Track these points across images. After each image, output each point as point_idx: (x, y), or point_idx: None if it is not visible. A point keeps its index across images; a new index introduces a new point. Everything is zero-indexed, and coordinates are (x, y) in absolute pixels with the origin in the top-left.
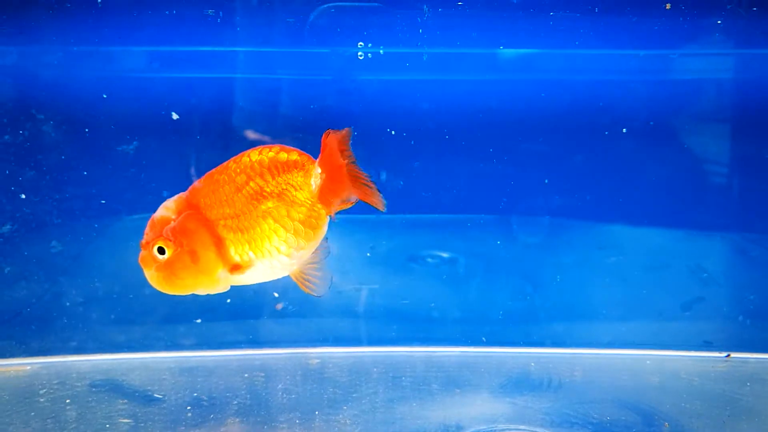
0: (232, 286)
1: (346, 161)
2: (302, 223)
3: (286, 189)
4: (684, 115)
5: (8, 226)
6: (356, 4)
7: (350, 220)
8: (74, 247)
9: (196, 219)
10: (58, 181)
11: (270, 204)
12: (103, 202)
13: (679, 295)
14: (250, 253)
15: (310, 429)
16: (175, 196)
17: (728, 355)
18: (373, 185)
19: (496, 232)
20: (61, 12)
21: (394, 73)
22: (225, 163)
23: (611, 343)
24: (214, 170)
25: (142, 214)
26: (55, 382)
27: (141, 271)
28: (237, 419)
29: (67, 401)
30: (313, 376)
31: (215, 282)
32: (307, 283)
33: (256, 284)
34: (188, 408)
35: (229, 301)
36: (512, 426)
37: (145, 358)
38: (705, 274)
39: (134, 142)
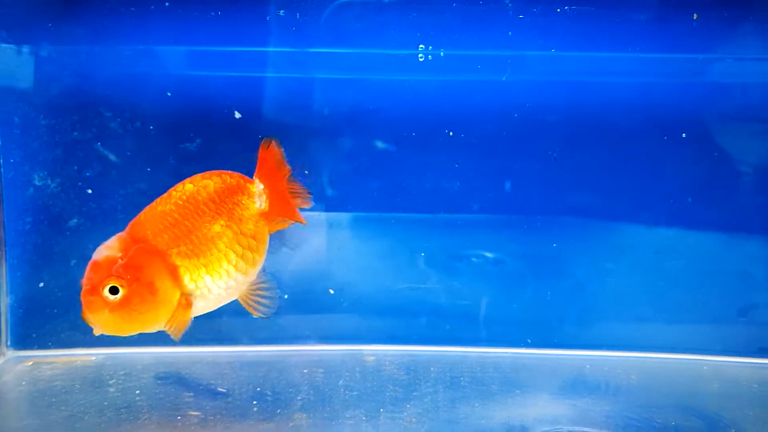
0: (289, 282)
1: (285, 175)
2: (254, 238)
3: (233, 209)
4: (735, 119)
5: (75, 220)
6: None
7: (400, 219)
8: None
9: (147, 251)
10: (123, 177)
11: (221, 224)
12: None
13: (734, 301)
14: (207, 277)
15: (377, 426)
16: (113, 237)
17: None
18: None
19: (549, 233)
20: (129, 12)
21: (453, 75)
22: (165, 195)
23: (666, 347)
24: (153, 203)
25: None
26: (122, 373)
27: None
28: (304, 414)
29: (137, 392)
30: (371, 374)
31: (170, 314)
32: (255, 305)
33: (313, 281)
34: (254, 402)
35: (286, 296)
36: (576, 428)
37: (205, 352)
38: (752, 280)
39: (197, 140)
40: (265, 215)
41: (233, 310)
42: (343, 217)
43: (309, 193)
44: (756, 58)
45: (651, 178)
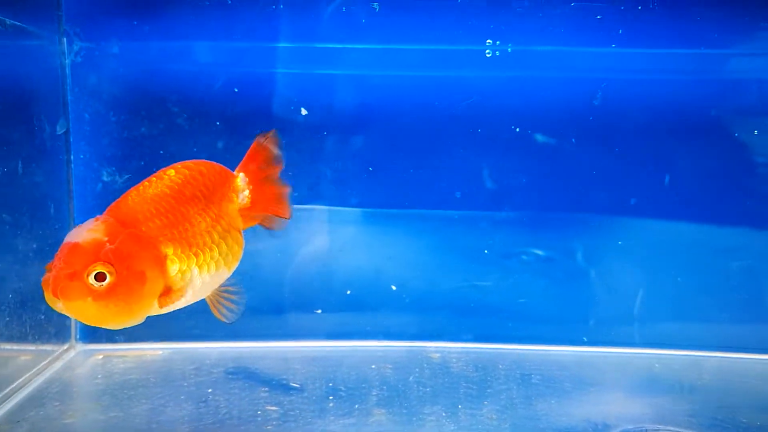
0: (351, 278)
1: (275, 170)
2: (238, 232)
3: (221, 201)
4: None
5: None
6: None
7: (447, 218)
8: None
9: (139, 237)
10: None
11: (212, 215)
12: None
13: None
14: (195, 270)
15: (457, 422)
16: (95, 219)
17: None
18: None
19: (609, 230)
20: (196, 9)
21: (520, 70)
22: (153, 178)
23: (732, 347)
24: (140, 186)
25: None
26: (191, 367)
27: (266, 259)
28: (383, 410)
29: (209, 390)
30: (440, 370)
31: (151, 306)
32: (221, 308)
33: (373, 277)
34: (330, 398)
35: (349, 292)
36: (661, 426)
37: (270, 347)
38: None
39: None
40: (244, 211)
41: (296, 305)
42: (398, 213)
43: (287, 193)
44: None
45: (718, 177)
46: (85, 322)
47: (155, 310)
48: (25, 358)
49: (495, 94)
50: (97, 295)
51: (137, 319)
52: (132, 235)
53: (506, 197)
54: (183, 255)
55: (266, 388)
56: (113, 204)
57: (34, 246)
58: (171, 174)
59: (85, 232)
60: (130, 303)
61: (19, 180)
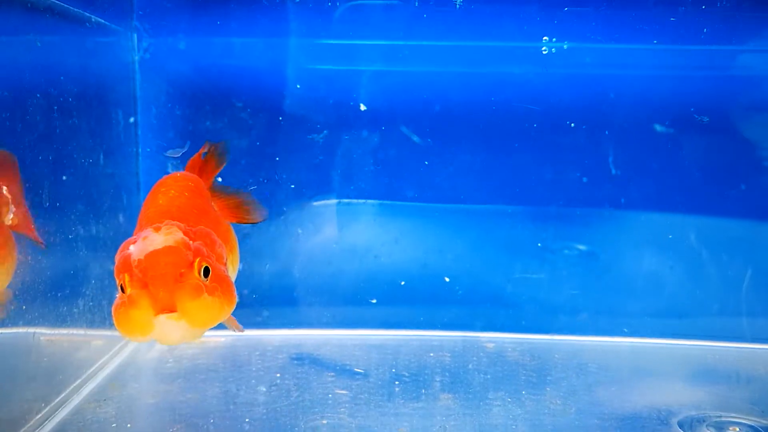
0: (404, 269)
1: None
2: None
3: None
4: None
5: None
6: None
7: (498, 212)
8: (262, 229)
9: (210, 234)
10: (252, 166)
11: (225, 222)
12: (293, 186)
13: None
14: (230, 267)
15: (523, 407)
16: (154, 229)
17: None
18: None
19: (660, 227)
20: (261, 5)
21: (575, 68)
22: (161, 193)
23: None
24: (154, 201)
25: (328, 200)
26: (256, 353)
27: (322, 251)
28: (449, 395)
29: (278, 375)
30: (496, 359)
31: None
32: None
33: (426, 269)
34: (396, 383)
35: (403, 283)
36: (723, 413)
37: (328, 334)
38: None
39: (324, 131)
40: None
41: (352, 295)
42: (450, 208)
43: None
44: None
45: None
46: (198, 325)
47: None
48: (101, 342)
49: (551, 90)
50: (212, 289)
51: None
52: (205, 232)
53: (559, 192)
54: (229, 253)
55: (332, 374)
56: (146, 216)
57: (111, 234)
58: (173, 188)
59: (162, 237)
60: (231, 294)
61: (100, 171)
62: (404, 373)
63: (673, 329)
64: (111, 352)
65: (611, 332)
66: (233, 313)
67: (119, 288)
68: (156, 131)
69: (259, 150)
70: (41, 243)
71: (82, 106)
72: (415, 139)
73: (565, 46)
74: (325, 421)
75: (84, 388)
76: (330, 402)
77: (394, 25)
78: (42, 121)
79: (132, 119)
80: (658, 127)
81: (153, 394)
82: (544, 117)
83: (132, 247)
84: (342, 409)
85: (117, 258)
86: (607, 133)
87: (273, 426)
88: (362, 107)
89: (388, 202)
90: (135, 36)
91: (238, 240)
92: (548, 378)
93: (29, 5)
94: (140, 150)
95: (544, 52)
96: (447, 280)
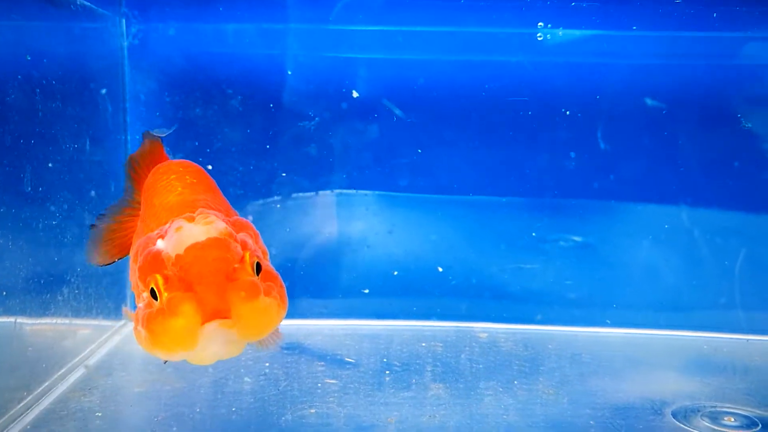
0: (398, 260)
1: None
2: None
3: None
4: None
5: None
6: None
7: (491, 203)
8: (253, 218)
9: (249, 225)
10: (243, 153)
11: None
12: (284, 174)
13: None
14: None
15: (515, 396)
16: (187, 218)
17: None
18: None
19: (656, 219)
20: None
21: (572, 55)
22: (176, 183)
23: None
24: (173, 191)
25: (321, 189)
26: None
27: (314, 241)
28: (440, 384)
29: (267, 364)
30: (489, 349)
31: None
32: None
33: (419, 259)
34: (386, 372)
35: (396, 273)
36: (718, 403)
37: (320, 324)
38: None
39: (316, 119)
40: None
41: (344, 285)
42: (443, 199)
43: None
44: None
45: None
46: (251, 334)
47: None
48: (88, 331)
49: (546, 77)
50: (266, 290)
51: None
52: (245, 223)
53: (551, 182)
54: None
55: (322, 363)
56: (169, 207)
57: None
58: (188, 175)
59: (203, 227)
60: (285, 296)
61: (87, 157)
62: (395, 362)
63: (669, 320)
64: (99, 340)
65: (605, 323)
66: None
67: (147, 294)
68: (145, 118)
69: (250, 137)
70: None
71: (67, 91)
72: (397, 112)
73: (560, 33)
74: (313, 411)
75: (69, 377)
76: (319, 391)
77: (388, 12)
78: (23, 104)
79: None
80: (650, 102)
81: (140, 384)
82: (539, 105)
83: (162, 242)
84: (331, 399)
85: (140, 257)
86: (603, 122)
87: (260, 415)
88: (354, 94)
89: (382, 192)
90: (124, 21)
91: None
92: (541, 368)
93: None
94: (129, 137)
95: (539, 39)
96: (440, 270)
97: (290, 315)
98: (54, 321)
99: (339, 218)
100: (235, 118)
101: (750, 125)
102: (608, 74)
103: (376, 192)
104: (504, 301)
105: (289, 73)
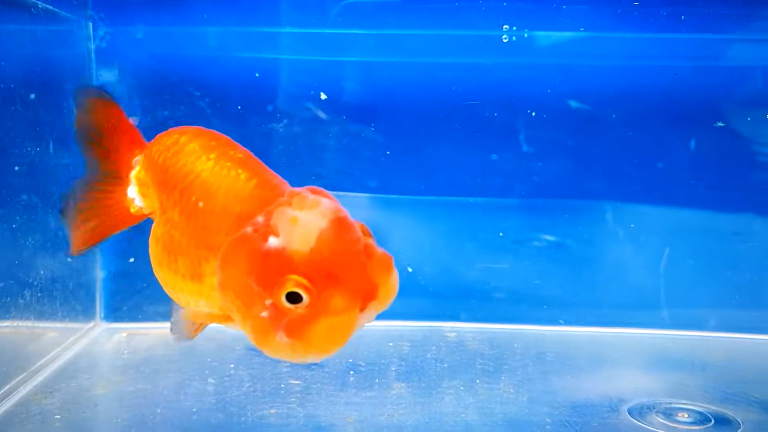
0: None
1: None
2: None
3: None
4: None
5: None
6: None
7: (461, 204)
8: None
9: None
10: None
11: None
12: None
13: None
14: None
15: (476, 395)
16: (301, 195)
17: None
18: None
19: (611, 217)
20: None
21: (537, 57)
22: (231, 152)
23: (742, 328)
24: (242, 163)
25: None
26: (213, 345)
27: None
28: (402, 384)
29: (232, 366)
30: (456, 348)
31: None
32: None
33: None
34: (350, 372)
35: None
36: (674, 400)
37: None
38: None
39: (284, 120)
40: None
41: None
42: (413, 199)
43: None
44: None
45: (725, 164)
46: (394, 297)
47: None
48: (54, 334)
49: (511, 79)
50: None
51: None
52: (321, 190)
53: (519, 183)
54: None
55: (287, 364)
56: (254, 194)
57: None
58: (229, 151)
59: (327, 206)
60: None
61: (50, 160)
62: (361, 363)
63: (635, 318)
64: (65, 343)
65: (571, 322)
66: None
67: (279, 299)
68: None
69: None
70: None
71: (28, 94)
72: (322, 115)
73: (525, 35)
74: (273, 411)
75: (32, 381)
76: (282, 392)
77: (356, 15)
78: None
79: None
80: (573, 105)
81: (103, 386)
82: (505, 106)
83: (278, 240)
84: (293, 399)
85: (248, 262)
86: (569, 123)
87: (220, 416)
88: (323, 96)
89: (350, 193)
90: (90, 25)
91: None
92: (504, 367)
93: None
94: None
95: (504, 41)
96: (410, 270)
97: None
98: (15, 324)
99: None
100: (203, 120)
101: (723, 124)
102: (578, 76)
103: (345, 193)
104: (472, 300)
105: (257, 75)
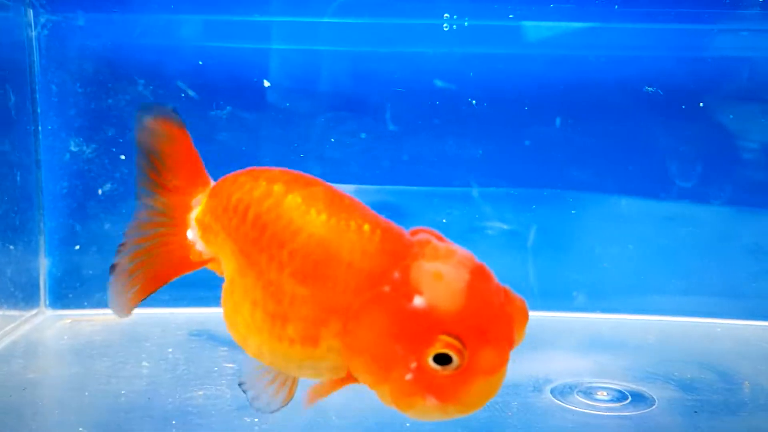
0: None
1: None
2: None
3: None
4: (741, 95)
5: (109, 185)
6: None
7: (409, 193)
8: None
9: None
10: None
11: None
12: None
13: (745, 268)
14: None
15: None
16: (420, 250)
17: None
18: None
19: (561, 205)
20: None
21: (479, 46)
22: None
23: (681, 311)
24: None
25: None
26: (156, 330)
27: None
28: None
29: (170, 350)
30: None
31: None
32: None
33: None
34: None
35: None
36: (597, 379)
37: None
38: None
39: (227, 108)
40: None
41: None
42: (358, 189)
43: None
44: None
45: (667, 150)
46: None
47: None
48: None
49: (453, 68)
50: None
51: None
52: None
53: (466, 171)
54: None
55: (226, 348)
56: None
57: (1, 213)
58: (339, 193)
59: (456, 261)
60: None
61: None
62: None
63: (577, 303)
64: (2, 330)
65: None
66: None
67: (425, 360)
68: (56, 109)
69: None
70: None
71: None
72: (191, 93)
73: (466, 23)
74: (201, 392)
75: None
76: (214, 375)
77: (297, 3)
78: None
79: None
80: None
81: (34, 370)
82: (449, 95)
83: (423, 298)
84: (223, 381)
85: (399, 318)
86: (514, 110)
87: (148, 397)
88: (266, 83)
89: None
90: (31, 12)
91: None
92: None
93: None
94: (40, 128)
95: (445, 29)
96: None
97: (200, 303)
98: None
99: None
100: None
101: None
102: (520, 65)
103: None
104: None
105: (200, 63)
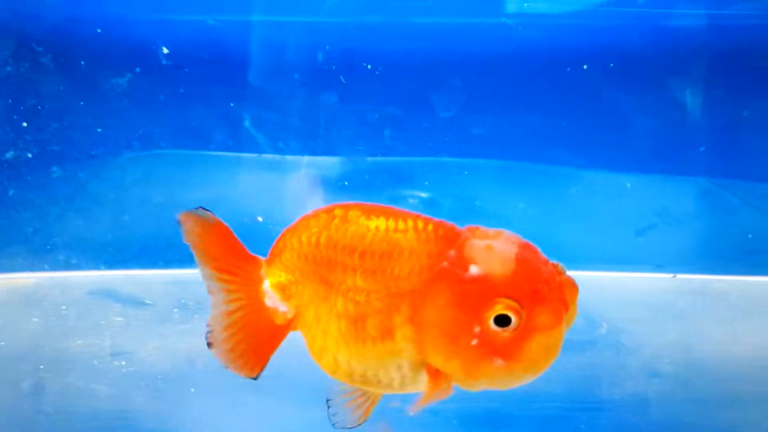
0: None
1: None
2: None
3: None
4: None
5: (11, 152)
6: None
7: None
8: (72, 173)
9: None
10: (57, 110)
11: None
12: (99, 130)
13: (634, 223)
14: None
15: None
16: (472, 229)
17: (675, 276)
18: None
19: (482, 175)
20: None
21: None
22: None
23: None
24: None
25: (134, 148)
26: (57, 291)
27: (139, 199)
28: None
29: (64, 307)
30: None
31: None
32: None
33: (239, 211)
34: (175, 310)
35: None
36: None
37: (139, 274)
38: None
39: (127, 75)
40: None
41: (156, 234)
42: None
43: None
44: None
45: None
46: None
47: None
48: None
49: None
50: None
51: None
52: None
53: (390, 140)
54: None
55: (120, 305)
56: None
57: None
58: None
59: (500, 237)
60: None
61: None
62: (190, 302)
63: None
64: None
65: None
66: None
67: (487, 324)
68: None
69: (63, 94)
70: None
71: None
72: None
73: None
74: (80, 342)
75: None
76: (100, 327)
77: None
78: None
79: None
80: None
81: None
82: (383, 65)
83: (478, 267)
84: (106, 333)
85: (459, 287)
86: (438, 79)
87: (23, 348)
88: (164, 50)
89: (196, 152)
90: None
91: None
92: None
93: None
94: None
95: None
96: (260, 219)
97: (106, 267)
98: None
99: (152, 177)
100: (47, 75)
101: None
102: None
103: (192, 152)
104: None
105: (99, 30)
